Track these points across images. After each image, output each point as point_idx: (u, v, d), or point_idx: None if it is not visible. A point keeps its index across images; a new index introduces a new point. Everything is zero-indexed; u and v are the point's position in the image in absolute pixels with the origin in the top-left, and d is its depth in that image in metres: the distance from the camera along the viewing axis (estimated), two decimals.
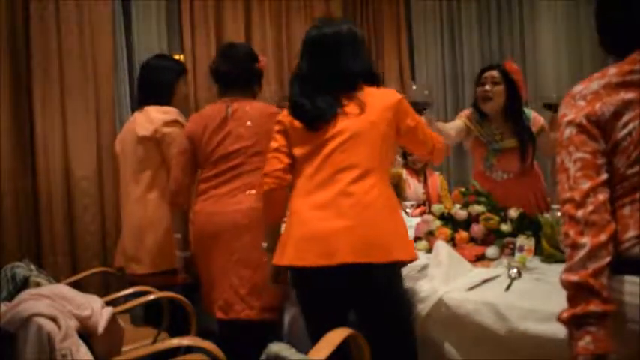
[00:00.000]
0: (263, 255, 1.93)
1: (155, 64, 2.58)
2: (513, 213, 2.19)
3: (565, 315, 1.12)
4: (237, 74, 2.22)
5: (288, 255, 1.68)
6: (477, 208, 2.22)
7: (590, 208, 1.12)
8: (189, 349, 1.90)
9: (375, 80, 1.77)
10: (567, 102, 1.21)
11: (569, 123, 1.17)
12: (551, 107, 2.31)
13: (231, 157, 2.16)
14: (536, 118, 2.66)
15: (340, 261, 1.58)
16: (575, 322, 1.10)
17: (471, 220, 2.22)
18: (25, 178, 3.24)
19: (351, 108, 1.70)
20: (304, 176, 1.73)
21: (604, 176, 1.13)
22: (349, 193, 1.64)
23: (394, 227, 1.67)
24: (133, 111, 3.73)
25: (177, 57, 4.01)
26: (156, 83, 2.51)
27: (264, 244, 1.89)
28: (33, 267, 2.09)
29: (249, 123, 2.15)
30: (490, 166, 2.68)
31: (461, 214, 2.25)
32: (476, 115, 2.69)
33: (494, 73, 2.58)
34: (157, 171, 2.43)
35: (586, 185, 1.13)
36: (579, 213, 1.12)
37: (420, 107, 2.06)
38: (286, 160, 1.78)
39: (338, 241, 1.60)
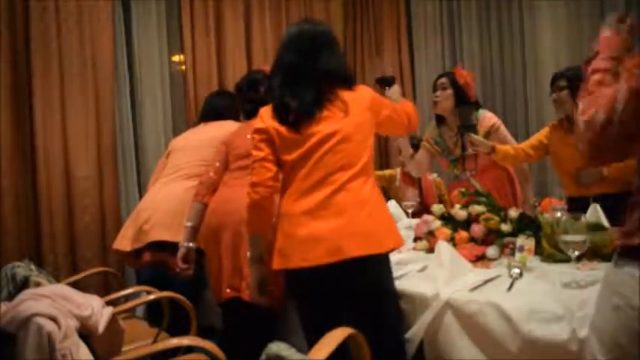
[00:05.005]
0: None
1: (222, 104, 2.92)
2: (513, 213, 2.19)
3: None
4: (248, 108, 2.47)
5: (292, 258, 1.68)
6: (477, 208, 2.22)
7: None
8: (189, 349, 1.90)
9: (350, 83, 1.81)
10: None
11: None
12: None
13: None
14: (485, 118, 2.88)
15: (347, 256, 1.62)
16: None
17: (471, 220, 2.22)
18: (25, 178, 3.25)
19: (334, 110, 1.74)
20: (296, 180, 1.74)
21: None
22: (346, 190, 1.69)
23: (386, 220, 1.77)
24: (133, 111, 3.75)
25: (177, 57, 4.03)
26: (221, 116, 2.85)
27: (249, 254, 1.87)
28: (33, 267, 2.09)
29: None
30: (455, 176, 3.00)
31: (461, 214, 2.25)
32: (436, 129, 3.01)
33: (443, 80, 2.90)
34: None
35: None
36: None
37: (389, 82, 2.29)
38: (274, 169, 1.78)
39: (342, 238, 1.64)
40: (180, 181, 2.66)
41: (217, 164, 2.45)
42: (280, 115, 1.76)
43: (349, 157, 1.71)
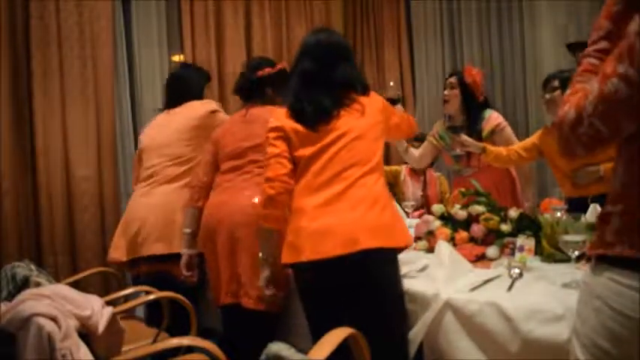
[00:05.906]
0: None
1: (184, 74, 2.82)
2: (513, 213, 2.19)
3: None
4: (239, 86, 2.40)
5: (304, 251, 1.68)
6: (477, 208, 2.22)
7: None
8: (189, 349, 1.90)
9: (366, 90, 1.87)
10: None
11: None
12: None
13: (245, 154, 2.28)
14: (491, 118, 2.92)
15: (362, 247, 1.62)
16: None
17: (471, 220, 2.22)
18: (25, 178, 3.25)
19: (351, 110, 1.79)
20: (309, 175, 1.76)
21: None
22: (360, 185, 1.71)
23: (398, 216, 1.81)
24: (133, 111, 3.76)
25: (177, 57, 4.03)
26: (187, 92, 2.73)
27: (261, 255, 1.88)
28: (33, 267, 2.09)
29: (260, 123, 2.25)
30: (457, 170, 3.06)
31: (461, 214, 2.25)
32: (443, 125, 3.04)
33: (452, 79, 2.95)
34: (193, 161, 2.61)
35: None
36: None
37: (394, 101, 2.35)
38: (289, 166, 1.80)
39: (356, 230, 1.64)
40: (159, 187, 2.60)
41: (207, 166, 2.40)
42: (297, 115, 1.81)
43: (363, 154, 1.75)
